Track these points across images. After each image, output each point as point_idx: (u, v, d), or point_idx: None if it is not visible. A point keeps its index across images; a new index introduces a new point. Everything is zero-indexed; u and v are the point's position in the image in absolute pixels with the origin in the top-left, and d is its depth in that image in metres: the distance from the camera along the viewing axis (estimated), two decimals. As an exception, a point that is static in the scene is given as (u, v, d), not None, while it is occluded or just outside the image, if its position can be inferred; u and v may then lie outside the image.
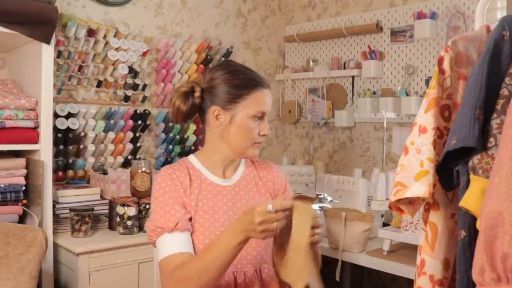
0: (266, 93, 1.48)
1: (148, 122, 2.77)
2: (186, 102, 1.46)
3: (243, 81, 1.46)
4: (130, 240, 2.16)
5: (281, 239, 1.35)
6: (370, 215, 2.11)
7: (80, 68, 2.51)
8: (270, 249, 1.50)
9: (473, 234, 1.08)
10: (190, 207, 1.43)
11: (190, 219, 1.42)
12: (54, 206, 2.19)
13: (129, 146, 2.70)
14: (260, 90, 1.46)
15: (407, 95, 2.76)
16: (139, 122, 2.72)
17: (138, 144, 2.75)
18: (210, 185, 1.48)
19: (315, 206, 1.73)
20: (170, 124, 2.86)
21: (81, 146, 2.54)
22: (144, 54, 2.72)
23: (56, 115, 2.40)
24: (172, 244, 1.36)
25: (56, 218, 2.23)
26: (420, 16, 2.68)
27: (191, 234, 1.41)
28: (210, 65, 3.01)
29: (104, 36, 2.57)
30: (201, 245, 1.40)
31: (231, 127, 1.45)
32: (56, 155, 2.44)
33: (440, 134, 1.21)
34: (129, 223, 2.21)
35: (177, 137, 2.89)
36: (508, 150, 0.93)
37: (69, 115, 2.46)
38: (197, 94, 1.46)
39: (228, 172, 1.54)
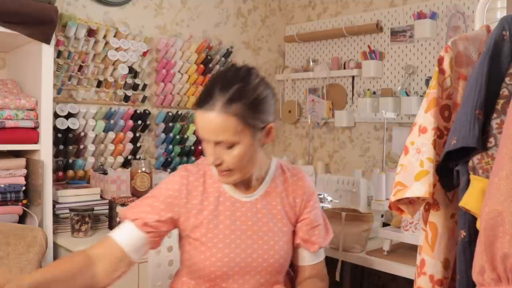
0: (203, 116, 1.24)
1: (148, 122, 2.77)
2: None
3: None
4: (130, 240, 2.16)
5: None
6: (370, 215, 2.11)
7: (80, 68, 2.51)
8: (285, 270, 1.43)
9: (473, 234, 1.08)
10: (193, 219, 1.34)
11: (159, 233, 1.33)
12: (54, 206, 2.19)
13: (129, 146, 2.70)
14: (198, 111, 1.26)
15: (407, 95, 2.75)
16: (139, 122, 2.72)
17: (138, 144, 2.75)
18: (229, 200, 1.37)
19: None
20: (170, 124, 2.86)
21: (81, 146, 2.54)
22: (144, 54, 2.72)
23: (56, 115, 2.40)
24: (121, 230, 1.31)
25: (56, 218, 2.23)
26: (420, 16, 2.68)
27: (197, 249, 1.33)
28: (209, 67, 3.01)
29: (104, 36, 2.57)
30: (207, 261, 1.31)
31: None
32: (56, 155, 2.44)
33: (440, 134, 1.21)
34: (129, 223, 2.21)
35: (177, 137, 2.89)
36: (508, 150, 0.93)
37: (69, 115, 2.46)
38: None
39: (253, 185, 1.41)
